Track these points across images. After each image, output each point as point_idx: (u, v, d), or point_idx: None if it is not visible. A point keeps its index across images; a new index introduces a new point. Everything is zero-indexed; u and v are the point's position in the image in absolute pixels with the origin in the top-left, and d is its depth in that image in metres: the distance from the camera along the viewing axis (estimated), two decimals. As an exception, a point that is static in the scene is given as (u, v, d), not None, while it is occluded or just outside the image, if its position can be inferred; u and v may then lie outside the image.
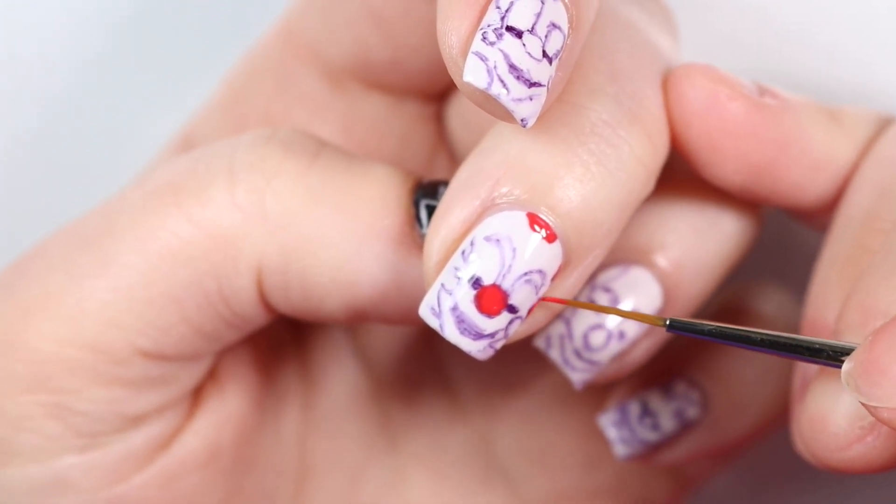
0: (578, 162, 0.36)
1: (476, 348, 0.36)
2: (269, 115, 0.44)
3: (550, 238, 0.36)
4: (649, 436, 0.43)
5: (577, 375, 0.41)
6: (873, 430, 0.36)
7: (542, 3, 0.35)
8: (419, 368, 0.47)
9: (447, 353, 0.46)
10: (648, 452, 0.43)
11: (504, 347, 0.37)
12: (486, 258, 0.36)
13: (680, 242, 0.40)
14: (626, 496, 0.46)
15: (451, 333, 0.36)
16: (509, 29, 0.34)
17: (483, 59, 0.34)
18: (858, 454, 0.36)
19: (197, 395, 0.41)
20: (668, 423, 0.43)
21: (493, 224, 0.36)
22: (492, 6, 0.35)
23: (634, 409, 0.43)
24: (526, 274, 0.36)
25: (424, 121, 0.45)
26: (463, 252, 0.36)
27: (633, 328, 0.40)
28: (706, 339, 0.36)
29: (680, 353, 0.43)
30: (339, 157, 0.39)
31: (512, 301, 0.36)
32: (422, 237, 0.38)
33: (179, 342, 0.39)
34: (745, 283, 0.46)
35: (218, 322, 0.39)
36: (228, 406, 0.41)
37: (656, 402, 0.43)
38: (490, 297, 0.36)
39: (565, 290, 0.37)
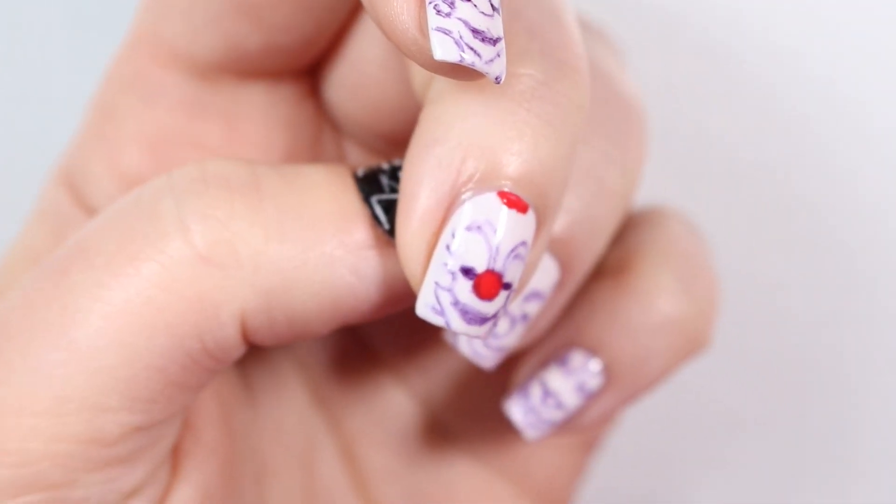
0: (528, 129, 0.36)
1: (483, 331, 0.36)
2: (145, 130, 0.41)
3: (523, 208, 0.36)
4: (555, 415, 0.42)
5: (487, 363, 0.41)
6: None
7: None
8: (342, 343, 0.46)
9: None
10: (557, 430, 0.43)
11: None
12: (473, 247, 0.35)
13: (567, 210, 0.40)
14: None
15: (459, 326, 0.36)
16: None
17: (446, 32, 0.33)
18: None
19: (176, 447, 0.39)
20: (570, 399, 0.42)
21: (468, 211, 0.35)
22: None
23: (536, 391, 0.42)
24: (513, 250, 0.36)
25: (302, 98, 0.43)
26: (447, 246, 0.35)
27: (533, 307, 0.40)
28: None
29: (573, 323, 0.43)
30: (276, 176, 0.37)
31: (506, 279, 0.36)
32: (387, 234, 0.37)
33: (168, 405, 0.37)
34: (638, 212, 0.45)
35: (202, 374, 0.37)
36: (206, 445, 0.40)
37: (556, 380, 0.42)
38: (487, 283, 0.35)
39: (543, 247, 0.37)
